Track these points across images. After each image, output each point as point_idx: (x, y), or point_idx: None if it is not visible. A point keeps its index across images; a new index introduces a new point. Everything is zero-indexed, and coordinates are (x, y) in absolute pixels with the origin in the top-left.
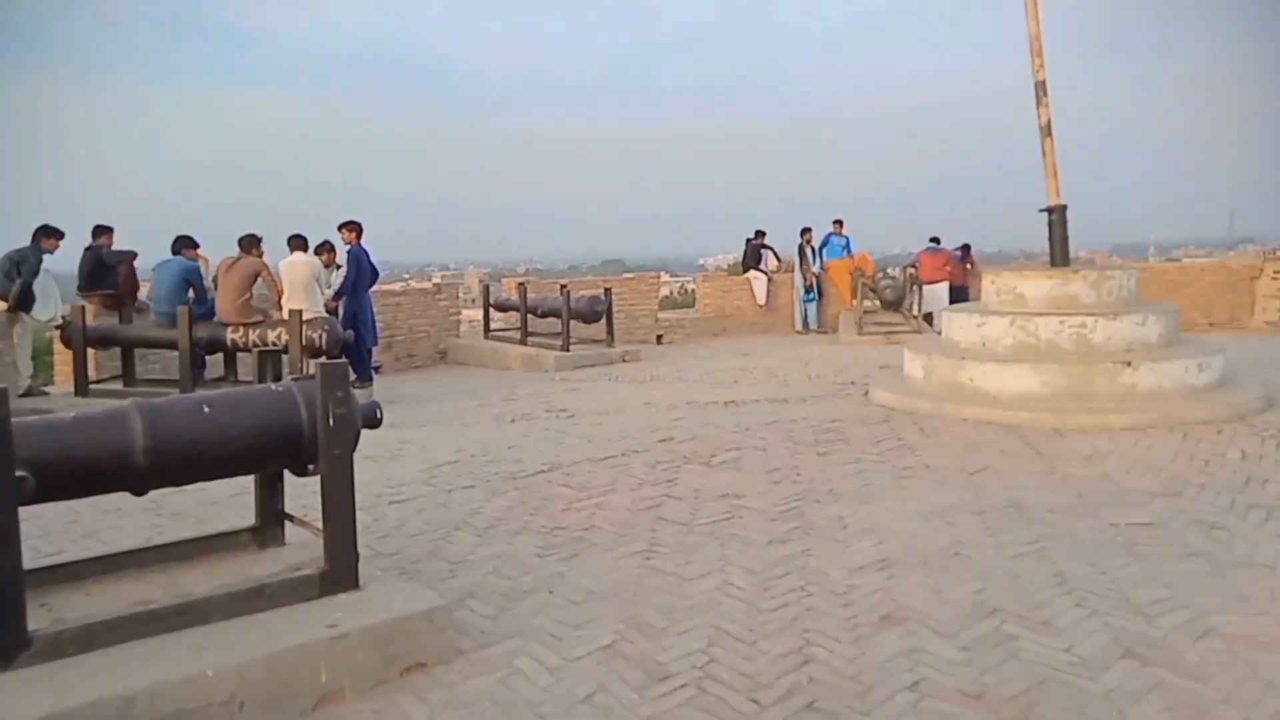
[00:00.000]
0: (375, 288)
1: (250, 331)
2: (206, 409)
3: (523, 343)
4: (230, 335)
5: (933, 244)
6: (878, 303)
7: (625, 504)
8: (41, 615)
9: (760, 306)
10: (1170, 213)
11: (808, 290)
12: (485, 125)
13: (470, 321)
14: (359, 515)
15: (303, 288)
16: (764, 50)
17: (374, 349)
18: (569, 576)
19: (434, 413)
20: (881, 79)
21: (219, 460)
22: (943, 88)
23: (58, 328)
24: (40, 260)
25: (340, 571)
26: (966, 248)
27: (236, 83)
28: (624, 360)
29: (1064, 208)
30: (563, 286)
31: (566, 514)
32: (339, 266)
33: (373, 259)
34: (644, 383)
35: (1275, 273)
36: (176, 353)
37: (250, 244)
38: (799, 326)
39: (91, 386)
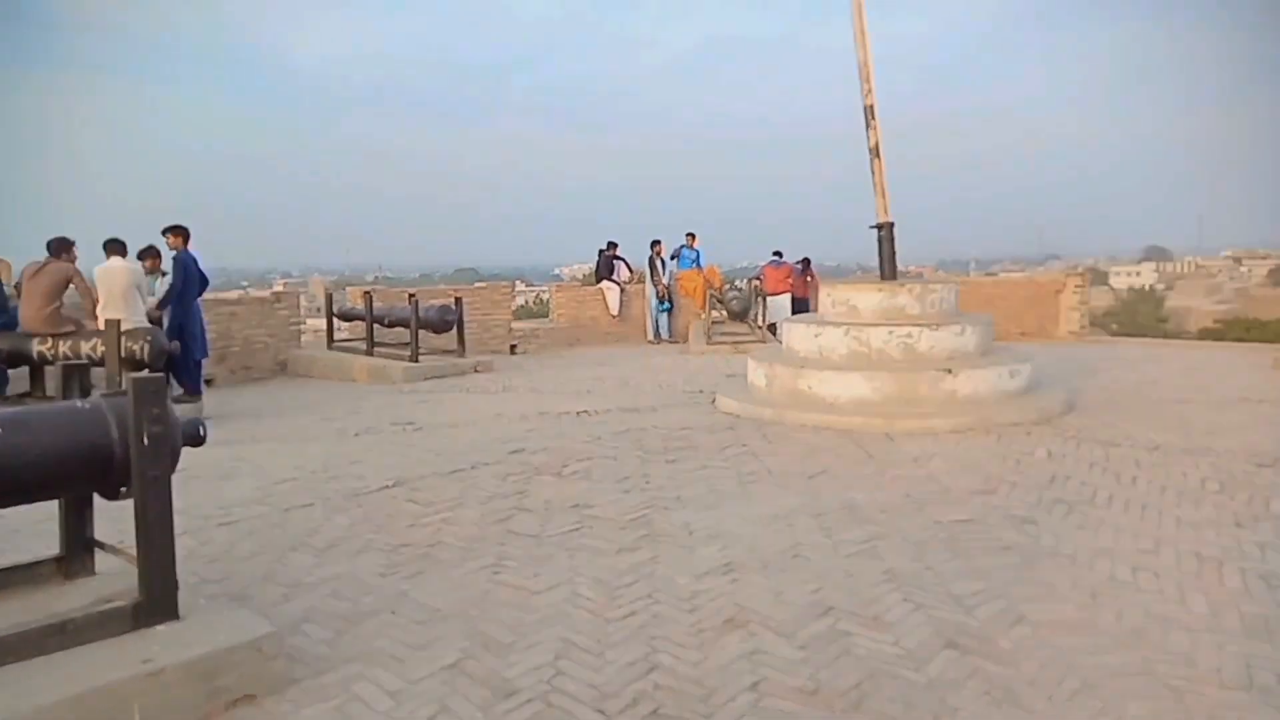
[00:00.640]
0: (205, 296)
1: (60, 343)
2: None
3: (369, 353)
4: (37, 347)
5: (775, 257)
6: (725, 313)
7: (473, 518)
8: None
9: (613, 317)
10: (989, 230)
11: (660, 301)
12: (335, 128)
13: (315, 331)
14: (184, 540)
15: (121, 296)
16: (617, 65)
17: (204, 361)
18: (413, 595)
19: (271, 428)
20: (731, 99)
21: (14, 485)
22: (786, 108)
23: None
24: None
25: (157, 602)
26: (807, 261)
27: (45, 69)
28: (476, 371)
29: (891, 225)
30: (411, 295)
31: (411, 530)
32: (164, 273)
33: (201, 265)
34: (496, 393)
35: (1076, 287)
36: None
37: (60, 248)
38: (651, 336)
39: None
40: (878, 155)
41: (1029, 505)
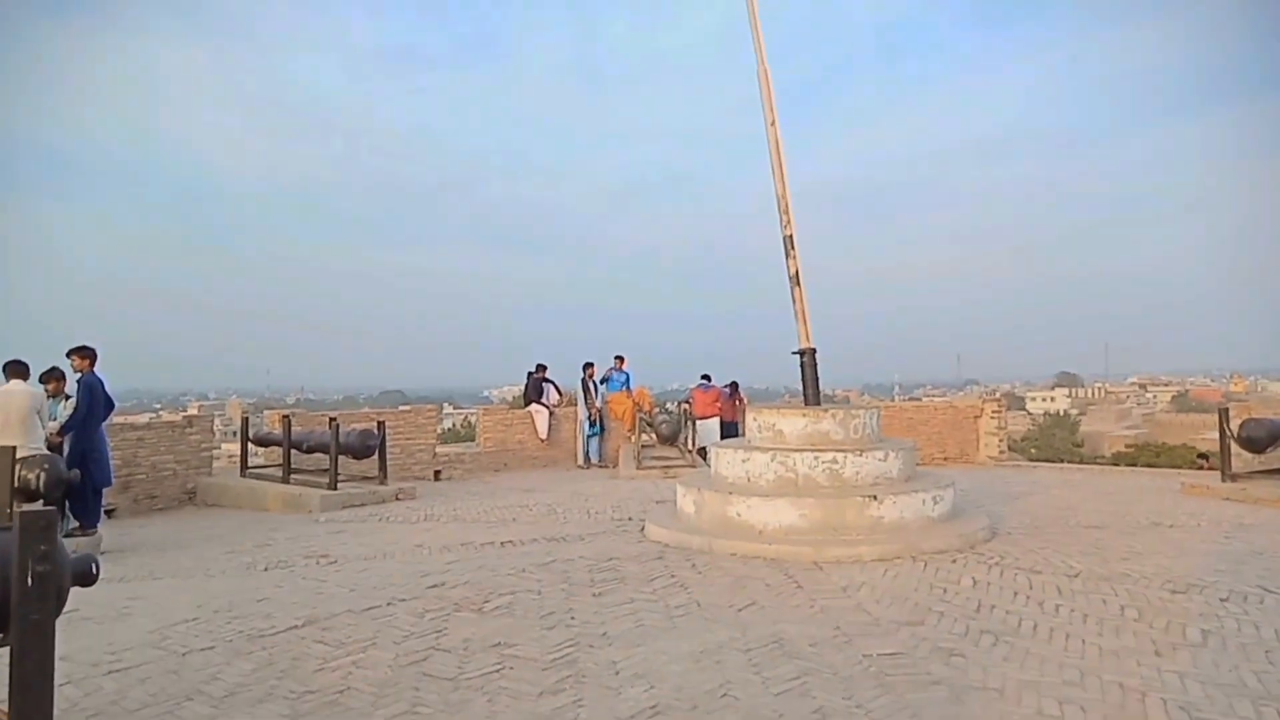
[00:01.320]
0: (109, 420)
1: None
2: None
3: (285, 481)
4: None
5: (704, 381)
6: (655, 437)
7: (387, 660)
8: None
9: (542, 440)
10: (910, 354)
11: (591, 424)
12: (258, 247)
13: (230, 457)
14: (66, 689)
15: (19, 421)
16: (549, 192)
17: (105, 490)
18: None
19: (174, 562)
20: (658, 228)
21: None
22: (713, 237)
23: None
24: None
25: None
26: (735, 385)
27: None
28: (397, 498)
29: (813, 350)
30: (332, 419)
31: (319, 675)
32: (68, 397)
33: (108, 388)
34: (417, 523)
35: (994, 413)
36: None
37: None
38: (581, 460)
39: None
40: (798, 283)
41: (956, 636)
